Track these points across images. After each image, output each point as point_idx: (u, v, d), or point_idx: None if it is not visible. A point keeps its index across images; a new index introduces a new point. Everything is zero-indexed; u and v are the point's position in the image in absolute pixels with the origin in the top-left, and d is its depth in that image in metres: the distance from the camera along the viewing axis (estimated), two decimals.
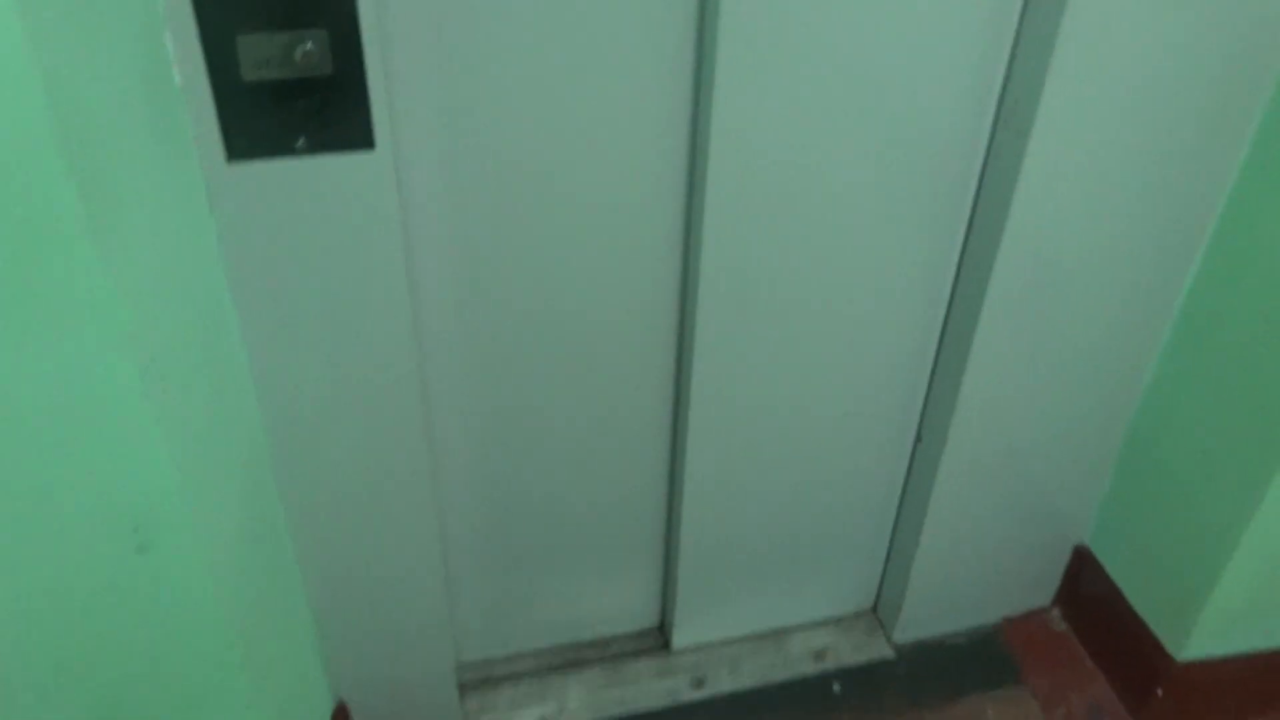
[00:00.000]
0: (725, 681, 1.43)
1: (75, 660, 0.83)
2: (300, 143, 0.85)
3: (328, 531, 1.11)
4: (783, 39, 0.95)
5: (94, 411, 0.70)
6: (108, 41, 0.68)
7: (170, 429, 0.74)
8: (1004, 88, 1.07)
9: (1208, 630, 1.28)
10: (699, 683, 1.42)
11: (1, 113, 0.58)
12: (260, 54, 0.80)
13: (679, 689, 1.41)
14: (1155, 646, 1.34)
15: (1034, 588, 1.52)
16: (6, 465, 0.70)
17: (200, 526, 0.80)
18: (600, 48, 0.95)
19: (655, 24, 0.96)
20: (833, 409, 1.28)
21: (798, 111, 1.01)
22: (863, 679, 1.45)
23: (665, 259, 1.12)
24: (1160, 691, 1.35)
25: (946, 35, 1.01)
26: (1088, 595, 1.48)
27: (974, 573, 1.45)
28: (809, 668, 1.46)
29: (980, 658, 1.49)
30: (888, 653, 1.48)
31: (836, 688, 1.43)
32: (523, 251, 1.06)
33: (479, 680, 1.41)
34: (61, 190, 0.61)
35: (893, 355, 1.25)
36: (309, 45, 0.81)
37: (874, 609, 1.54)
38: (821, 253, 1.12)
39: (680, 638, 1.46)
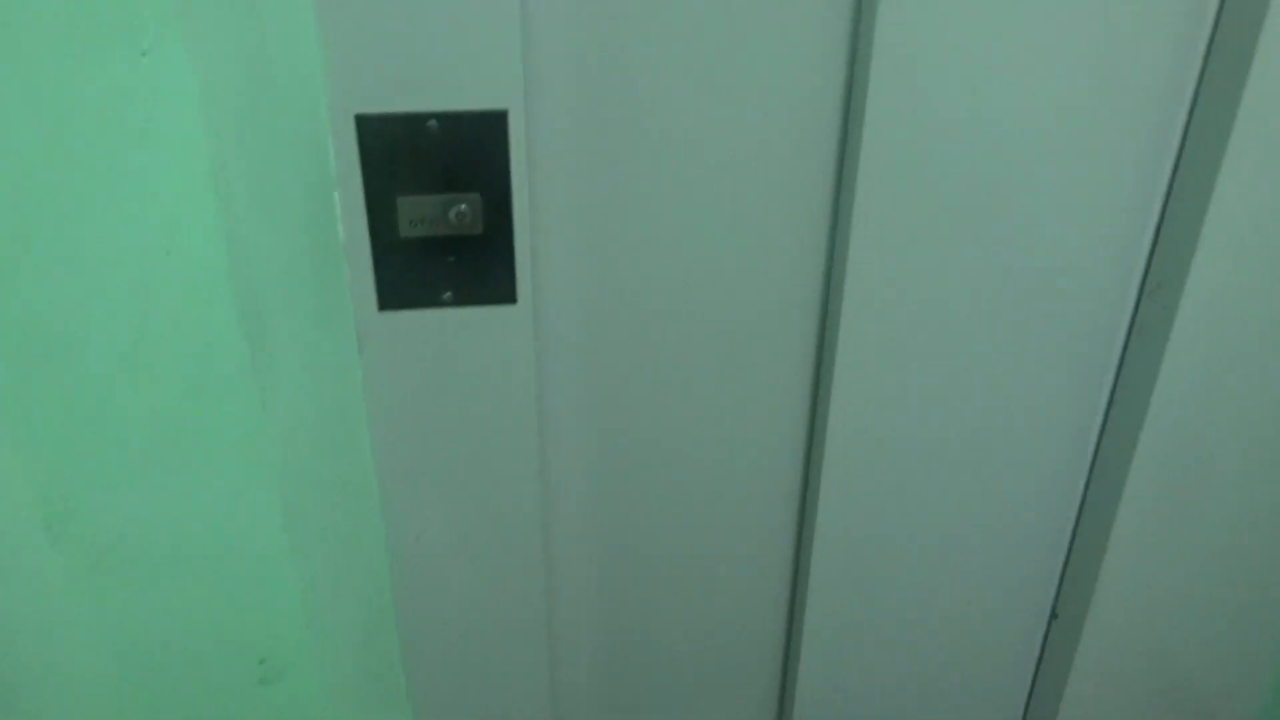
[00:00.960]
0: None
1: None
2: (447, 295, 0.89)
3: (442, 676, 1.11)
4: (922, 205, 0.96)
5: (236, 548, 0.73)
6: (282, 198, 0.74)
7: (301, 565, 0.76)
8: (1150, 257, 1.04)
9: None
10: None
11: (189, 266, 0.63)
12: (417, 213, 0.85)
13: None
14: None
15: None
16: (149, 591, 0.74)
17: (323, 660, 0.82)
18: (730, 222, 0.98)
19: (790, 186, 0.98)
20: (962, 579, 1.22)
21: (935, 279, 1.00)
22: None
23: (792, 414, 1.11)
24: None
25: (1091, 203, 1.00)
26: None
27: None
28: None
29: None
30: None
31: None
32: (652, 403, 1.08)
33: None
34: (231, 335, 0.65)
35: (1029, 527, 1.20)
36: (463, 207, 0.85)
37: None
38: (957, 418, 1.10)
39: None
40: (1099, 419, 1.14)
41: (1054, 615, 1.27)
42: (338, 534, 0.87)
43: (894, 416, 1.08)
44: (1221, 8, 0.94)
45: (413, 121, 0.82)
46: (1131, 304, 1.07)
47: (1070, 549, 1.23)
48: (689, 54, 0.91)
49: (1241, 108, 0.93)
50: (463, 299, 0.89)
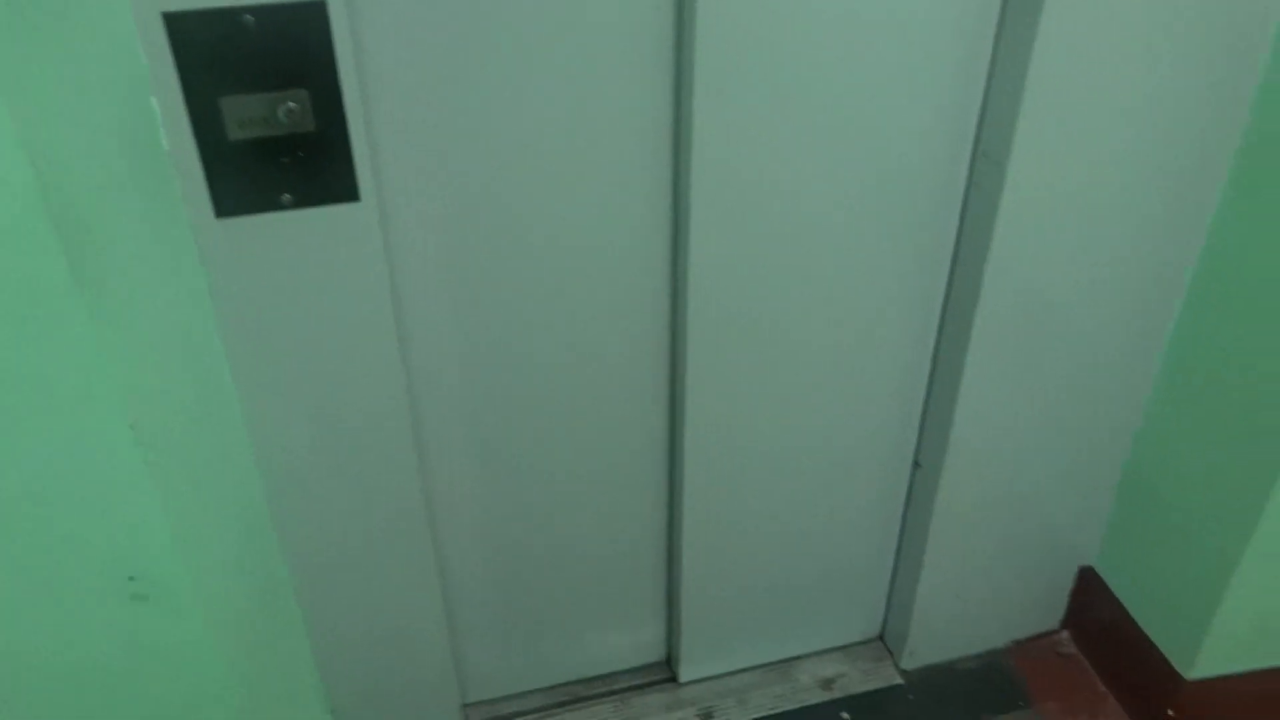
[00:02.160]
0: (734, 713, 1.43)
1: (83, 713, 0.84)
2: (286, 198, 0.87)
3: (328, 582, 1.12)
4: (759, 72, 0.97)
5: (88, 467, 0.72)
6: (95, 109, 0.70)
7: (164, 483, 0.76)
8: (981, 117, 1.08)
9: (1216, 649, 1.27)
10: (707, 715, 1.42)
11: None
12: (245, 114, 0.83)
13: None
14: (1164, 666, 1.33)
15: (1041, 611, 1.51)
16: (11, 522, 0.72)
17: (200, 576, 0.82)
18: (579, 96, 0.97)
19: (631, 61, 0.97)
20: (828, 441, 1.28)
21: (775, 146, 1.02)
22: (872, 706, 1.45)
23: (654, 301, 1.13)
24: (1171, 712, 1.34)
25: (920, 65, 1.03)
26: (1095, 617, 1.47)
27: (980, 597, 1.45)
28: (817, 697, 1.46)
29: (989, 682, 1.48)
30: (896, 679, 1.48)
31: (846, 716, 1.43)
32: (511, 295, 1.08)
33: (489, 719, 1.41)
34: (53, 261, 0.63)
35: (885, 386, 1.26)
36: (291, 104, 0.83)
37: (880, 636, 1.54)
38: (807, 288, 1.14)
39: (687, 671, 1.46)
40: (943, 282, 1.20)
41: (916, 465, 1.34)
42: (199, 450, 0.86)
43: (748, 295, 1.11)
44: None
45: (226, 16, 0.78)
46: (966, 164, 1.11)
47: (926, 403, 1.29)
48: None
49: None
50: (303, 200, 0.87)
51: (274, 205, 0.87)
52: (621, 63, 0.97)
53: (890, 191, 1.10)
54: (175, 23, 0.77)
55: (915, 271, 1.17)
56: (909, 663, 1.49)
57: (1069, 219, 1.11)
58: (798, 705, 1.45)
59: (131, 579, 0.78)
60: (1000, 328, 1.17)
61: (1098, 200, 1.11)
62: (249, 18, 0.79)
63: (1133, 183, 1.10)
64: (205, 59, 0.80)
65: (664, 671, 1.49)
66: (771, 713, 1.43)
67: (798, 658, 1.51)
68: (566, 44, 0.94)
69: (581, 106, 0.98)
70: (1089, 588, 1.46)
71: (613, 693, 1.45)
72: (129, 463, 0.72)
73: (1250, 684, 1.33)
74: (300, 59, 0.82)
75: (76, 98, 0.68)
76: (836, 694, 1.46)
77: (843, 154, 1.05)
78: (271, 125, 0.84)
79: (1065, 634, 1.54)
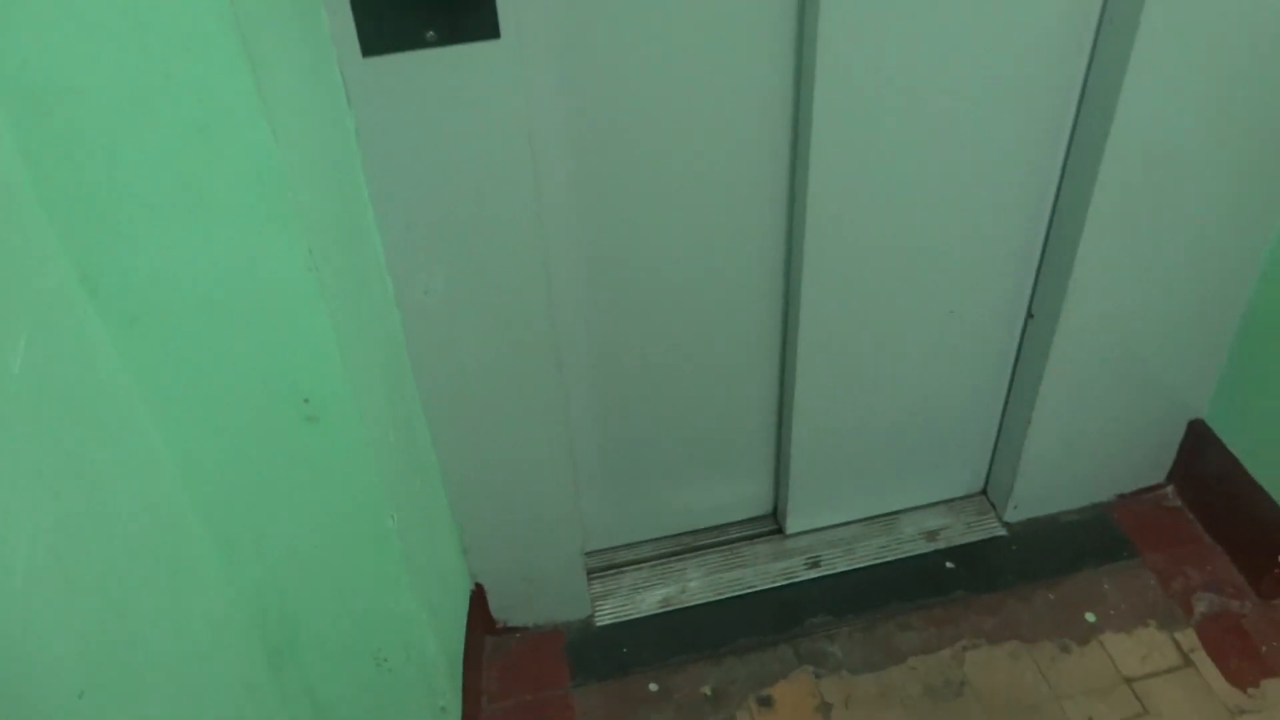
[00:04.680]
0: (840, 562, 1.47)
1: (252, 528, 0.90)
2: (430, 35, 0.88)
3: (463, 425, 1.17)
4: None
5: (267, 289, 0.75)
6: None
7: (332, 309, 0.79)
8: None
9: None
10: (814, 563, 1.47)
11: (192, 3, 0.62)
12: None
13: (795, 569, 1.46)
14: (1277, 514, 1.34)
15: (1148, 464, 1.52)
16: (191, 341, 0.76)
17: (361, 402, 0.86)
18: None
19: None
20: (943, 291, 1.28)
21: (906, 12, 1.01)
22: (976, 556, 1.48)
23: (774, 111, 1.12)
24: None
25: None
26: (1204, 469, 1.47)
27: (1086, 450, 1.46)
28: (922, 547, 1.49)
29: (1094, 534, 1.50)
30: (1000, 531, 1.51)
31: (950, 565, 1.47)
32: (637, 159, 1.09)
33: (604, 566, 1.47)
34: (239, 71, 0.65)
35: (1004, 232, 1.25)
36: None
37: (984, 490, 1.56)
38: (934, 136, 1.13)
39: (794, 523, 1.50)
40: (1068, 129, 1.18)
41: (1030, 315, 1.34)
42: (353, 284, 0.89)
43: (872, 139, 1.10)
44: None
45: None
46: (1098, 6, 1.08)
47: (1044, 252, 1.28)
48: None
49: None
50: (446, 36, 0.88)
51: (419, 42, 0.88)
52: None
53: (1016, 45, 1.08)
54: None
55: (1041, 114, 1.16)
56: (1013, 515, 1.51)
57: (1194, 64, 1.08)
58: (903, 555, 1.48)
59: (306, 401, 0.82)
60: (1124, 176, 1.15)
61: (1226, 57, 1.07)
62: None
63: (1254, 39, 1.07)
64: None
65: (771, 524, 1.53)
66: (878, 561, 1.47)
67: (902, 511, 1.54)
68: None
69: None
70: (1198, 441, 1.47)
71: (722, 543, 1.51)
72: (306, 285, 0.75)
73: None
74: None
75: None
76: (940, 544, 1.50)
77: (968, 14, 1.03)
78: None
79: (1170, 488, 1.54)
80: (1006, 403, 1.45)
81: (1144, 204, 1.19)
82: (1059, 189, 1.23)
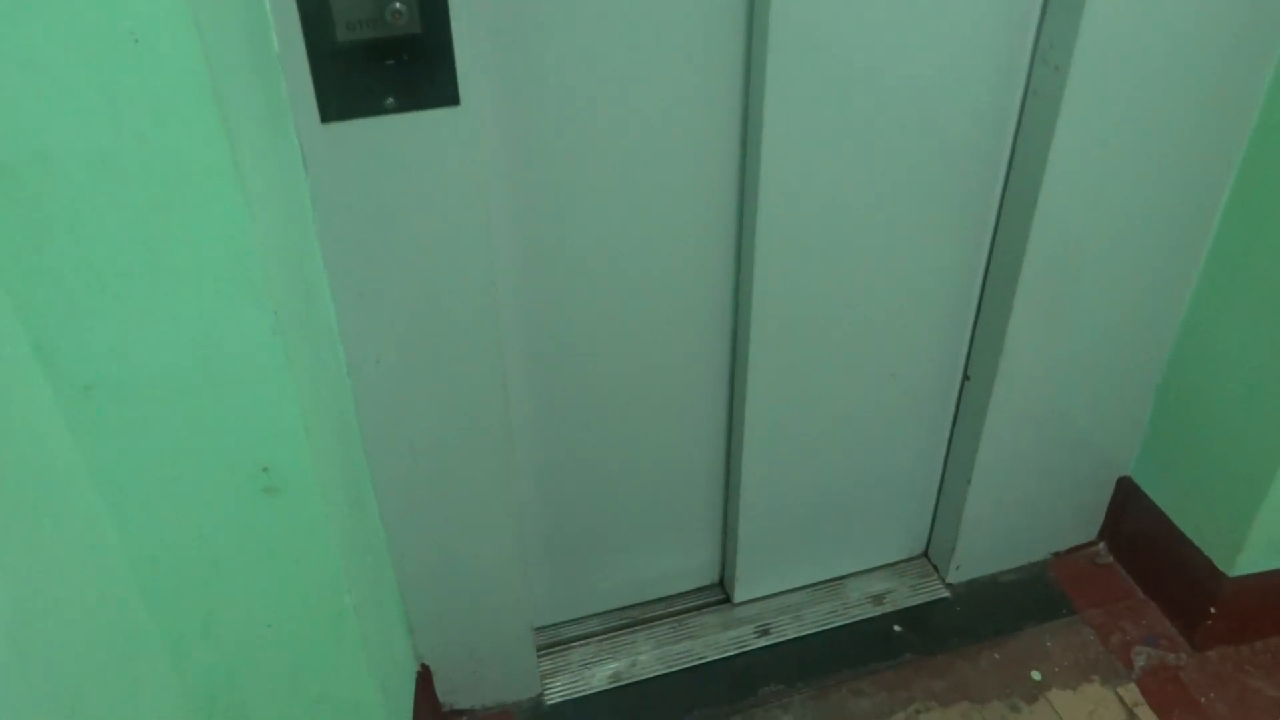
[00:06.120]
0: (790, 629, 1.47)
1: (202, 611, 0.86)
2: (390, 101, 0.88)
3: (412, 499, 1.13)
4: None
5: (231, 354, 0.73)
6: (228, 7, 0.71)
7: (296, 375, 0.77)
8: (1040, 25, 1.11)
9: (1259, 544, 1.32)
10: (764, 631, 1.46)
11: (168, 66, 0.61)
12: (353, 15, 0.84)
13: (745, 638, 1.45)
14: (1206, 566, 1.38)
15: (1081, 522, 1.56)
16: (147, 410, 0.73)
17: (322, 472, 0.83)
18: (660, 41, 0.99)
19: None
20: (884, 354, 1.31)
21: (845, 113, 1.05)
22: (922, 619, 1.49)
23: (720, 223, 1.15)
24: (1214, 610, 1.39)
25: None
26: (1133, 525, 1.52)
27: (1022, 510, 1.49)
28: (869, 611, 1.50)
29: (1033, 593, 1.53)
30: (943, 593, 1.52)
31: (897, 628, 1.47)
32: (584, 213, 1.10)
33: (551, 642, 1.44)
34: (216, 138, 0.64)
35: (938, 300, 1.29)
36: (398, 5, 0.84)
37: (925, 553, 1.58)
38: (864, 209, 1.17)
39: (741, 592, 1.49)
40: (996, 204, 1.23)
41: (966, 377, 1.38)
42: (311, 352, 0.87)
43: (810, 191, 1.13)
44: None
45: None
46: (1025, 67, 1.14)
47: (977, 317, 1.33)
48: None
49: None
50: (405, 103, 0.88)
51: (378, 109, 0.88)
52: None
53: (939, 128, 1.13)
54: None
55: (970, 193, 1.20)
56: (955, 577, 1.53)
57: (1123, 127, 1.14)
58: (850, 619, 1.49)
59: (265, 470, 0.79)
60: (1056, 240, 1.20)
61: (1151, 106, 1.14)
62: None
63: (1179, 94, 1.14)
64: None
65: (719, 593, 1.52)
66: (827, 627, 1.47)
67: (847, 576, 1.55)
68: None
69: (662, 50, 1.00)
70: (1127, 497, 1.51)
71: (671, 614, 1.49)
72: (271, 350, 0.73)
73: None
74: None
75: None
76: (887, 608, 1.50)
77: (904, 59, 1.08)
78: (378, 26, 0.85)
79: (1102, 545, 1.59)
80: (945, 464, 1.47)
81: (1068, 275, 1.24)
82: (989, 255, 1.27)
